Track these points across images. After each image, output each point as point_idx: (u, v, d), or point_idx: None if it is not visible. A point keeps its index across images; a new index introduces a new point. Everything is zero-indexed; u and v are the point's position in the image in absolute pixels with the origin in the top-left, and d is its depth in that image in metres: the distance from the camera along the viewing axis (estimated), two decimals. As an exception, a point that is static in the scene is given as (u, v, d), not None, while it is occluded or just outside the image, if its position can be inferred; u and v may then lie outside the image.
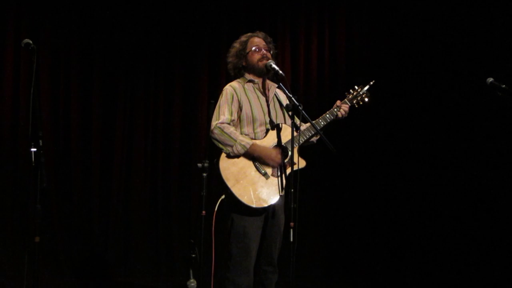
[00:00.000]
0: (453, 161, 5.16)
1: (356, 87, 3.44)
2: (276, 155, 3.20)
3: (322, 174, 5.50)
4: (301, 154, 3.21)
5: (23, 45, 2.95)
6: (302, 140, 3.27)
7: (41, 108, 5.13)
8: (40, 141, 2.81)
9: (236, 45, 3.41)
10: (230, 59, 3.44)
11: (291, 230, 2.94)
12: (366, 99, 3.42)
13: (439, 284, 5.00)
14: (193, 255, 4.50)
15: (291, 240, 2.94)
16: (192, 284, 4.40)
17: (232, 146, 3.16)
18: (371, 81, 3.44)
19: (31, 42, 2.95)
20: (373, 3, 5.69)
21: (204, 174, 2.97)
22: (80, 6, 5.40)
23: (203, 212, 2.97)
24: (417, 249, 5.22)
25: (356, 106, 3.41)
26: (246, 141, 3.19)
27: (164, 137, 5.61)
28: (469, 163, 5.04)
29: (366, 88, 3.43)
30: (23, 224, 5.02)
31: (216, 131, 3.17)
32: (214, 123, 3.21)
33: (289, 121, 3.37)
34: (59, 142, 5.35)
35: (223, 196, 3.27)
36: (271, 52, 3.42)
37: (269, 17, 5.76)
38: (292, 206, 2.94)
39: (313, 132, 3.31)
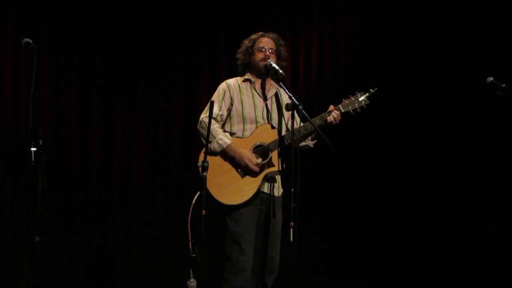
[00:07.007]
0: (453, 161, 5.15)
1: (356, 93, 3.28)
2: (249, 161, 3.19)
3: (323, 174, 5.49)
4: (285, 157, 3.15)
5: (23, 45, 2.94)
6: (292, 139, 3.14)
7: (41, 108, 5.13)
8: (40, 141, 2.81)
9: (246, 42, 3.45)
10: (238, 55, 3.49)
11: (291, 229, 2.94)
12: (365, 107, 3.25)
13: (439, 284, 4.99)
14: (193, 255, 4.49)
15: (291, 239, 2.94)
16: (192, 284, 4.38)
17: (210, 142, 3.21)
18: (372, 88, 3.27)
19: (31, 41, 2.94)
20: (373, 3, 5.68)
21: (204, 174, 2.97)
22: (80, 6, 5.40)
23: (203, 211, 2.98)
24: (417, 248, 5.21)
25: (352, 112, 3.26)
26: (224, 141, 3.22)
27: (164, 136, 5.62)
28: (469, 163, 5.03)
29: (365, 95, 3.25)
30: (23, 223, 5.01)
31: (201, 124, 3.26)
32: (202, 116, 3.29)
33: (285, 121, 3.38)
34: (59, 142, 5.35)
35: (199, 193, 3.28)
36: (282, 54, 3.42)
37: (269, 17, 5.76)
38: (292, 205, 2.94)
39: (303, 133, 3.26)
